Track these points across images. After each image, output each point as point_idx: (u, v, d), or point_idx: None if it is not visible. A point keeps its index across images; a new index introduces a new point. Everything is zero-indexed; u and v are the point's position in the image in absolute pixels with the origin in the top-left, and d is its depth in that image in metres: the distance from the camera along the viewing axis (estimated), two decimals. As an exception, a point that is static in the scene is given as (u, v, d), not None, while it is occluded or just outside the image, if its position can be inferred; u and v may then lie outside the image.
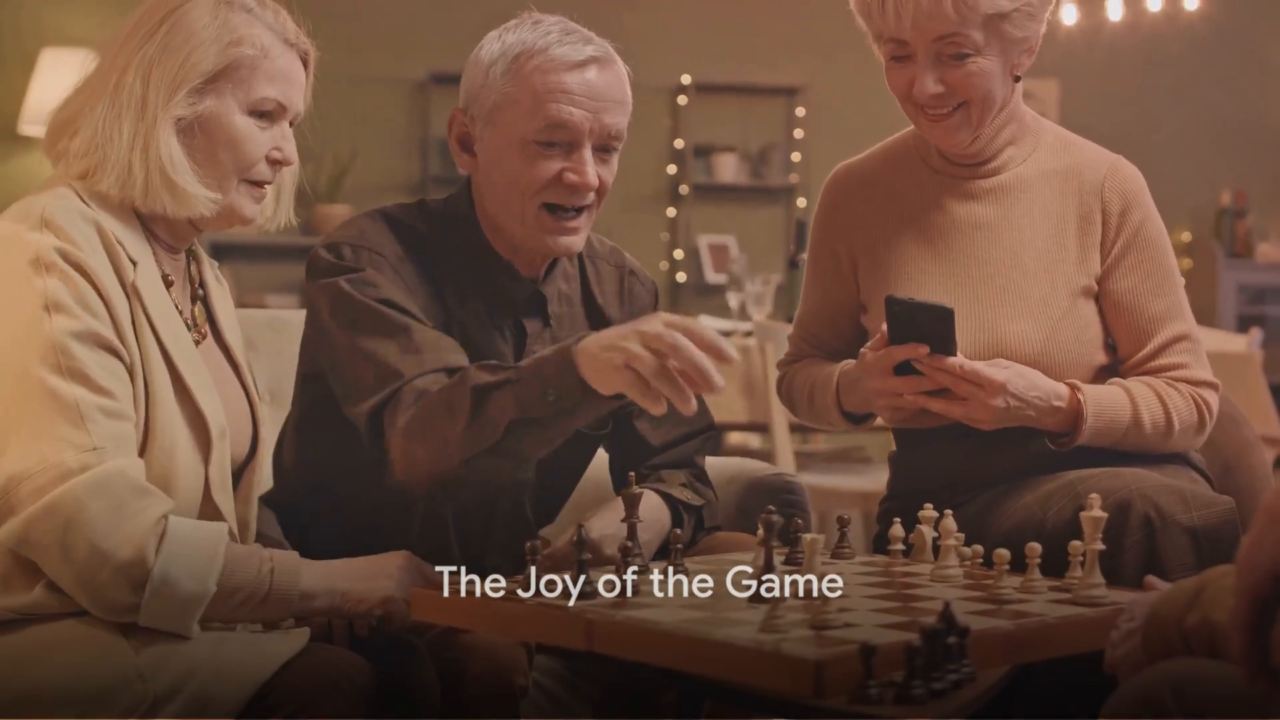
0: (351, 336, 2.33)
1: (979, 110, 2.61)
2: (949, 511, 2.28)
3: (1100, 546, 2.06)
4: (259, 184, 2.22)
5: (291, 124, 2.26)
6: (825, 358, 2.84)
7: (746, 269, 6.09)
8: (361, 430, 2.31)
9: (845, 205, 2.82)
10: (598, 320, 2.60)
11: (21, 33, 8.11)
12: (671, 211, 9.30)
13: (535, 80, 2.38)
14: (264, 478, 2.35)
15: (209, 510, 2.15)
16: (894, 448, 2.85)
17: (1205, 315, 9.39)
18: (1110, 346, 2.71)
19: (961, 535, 2.30)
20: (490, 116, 2.42)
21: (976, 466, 2.65)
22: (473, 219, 2.50)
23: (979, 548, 2.20)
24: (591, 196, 2.44)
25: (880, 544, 2.59)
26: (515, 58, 2.40)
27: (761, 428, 5.62)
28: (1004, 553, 2.07)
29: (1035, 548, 2.09)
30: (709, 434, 2.73)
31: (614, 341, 2.06)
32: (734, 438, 6.69)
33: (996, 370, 2.48)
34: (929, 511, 2.34)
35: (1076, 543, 2.09)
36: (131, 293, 2.08)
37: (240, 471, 2.29)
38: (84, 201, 2.11)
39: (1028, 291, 2.65)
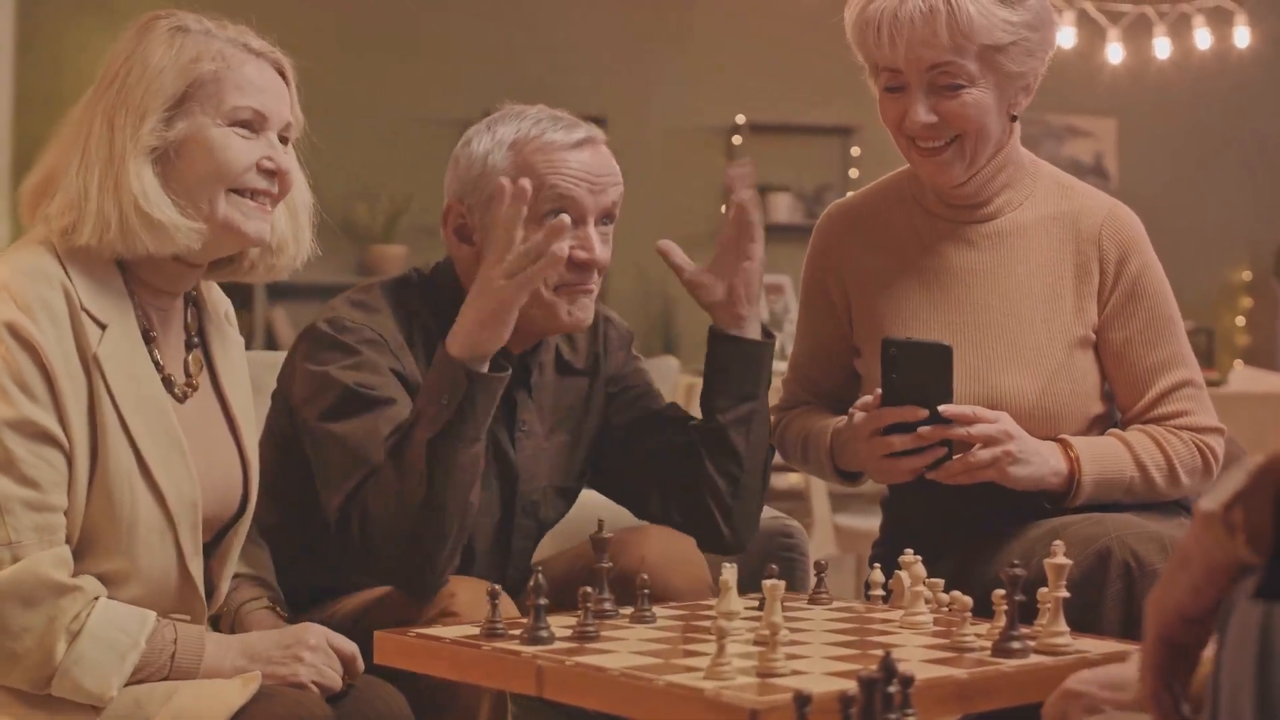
0: (326, 424, 2.37)
1: (973, 144, 2.57)
2: (918, 558, 2.26)
3: (1064, 594, 2.04)
4: (254, 197, 2.16)
5: (285, 140, 2.22)
6: (819, 402, 2.82)
7: (785, 307, 6.07)
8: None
9: (837, 244, 2.78)
10: (567, 371, 2.67)
11: (83, 79, 8.22)
12: (727, 251, 9.30)
13: (537, 162, 2.45)
14: (243, 538, 2.31)
15: (181, 577, 2.14)
16: (887, 491, 2.83)
17: (1265, 355, 9.29)
18: (1108, 396, 2.67)
19: (939, 581, 2.29)
20: (490, 204, 2.42)
21: (967, 509, 2.61)
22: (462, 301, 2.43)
23: (957, 594, 2.18)
24: (597, 273, 2.52)
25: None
26: (512, 144, 2.47)
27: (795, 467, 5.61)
28: (966, 600, 2.06)
29: (1000, 594, 2.07)
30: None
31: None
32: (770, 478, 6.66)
33: (998, 428, 2.45)
34: (909, 557, 2.32)
35: (1044, 590, 2.07)
36: (92, 364, 2.04)
37: (226, 530, 2.26)
38: (60, 260, 2.07)
39: (1024, 341, 2.62)
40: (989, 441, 2.44)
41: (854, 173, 9.20)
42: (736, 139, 9.36)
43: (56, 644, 1.95)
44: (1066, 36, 7.61)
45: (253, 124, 2.16)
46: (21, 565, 1.96)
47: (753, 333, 2.63)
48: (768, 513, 2.94)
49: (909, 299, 2.69)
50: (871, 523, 5.30)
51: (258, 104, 2.16)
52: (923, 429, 2.43)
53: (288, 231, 2.27)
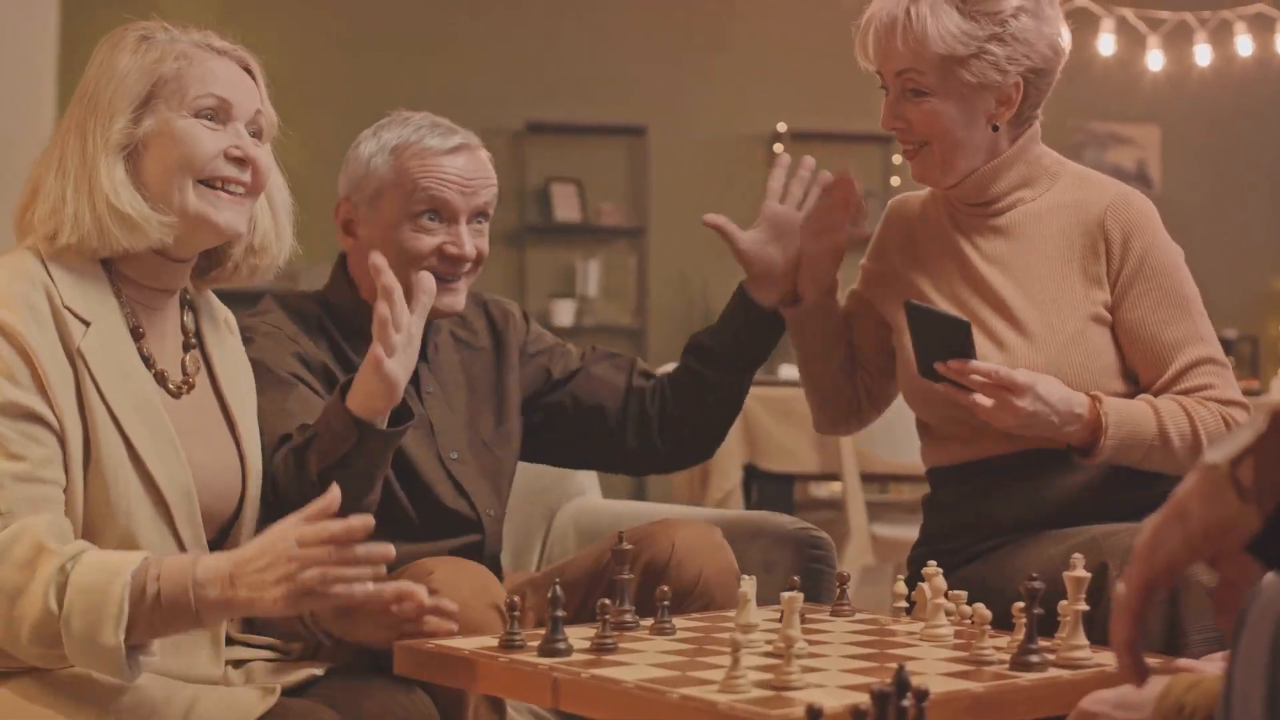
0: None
1: (941, 151, 2.65)
2: (939, 570, 2.26)
3: (1083, 607, 2.03)
4: (224, 187, 2.20)
5: (258, 134, 2.26)
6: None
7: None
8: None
9: (884, 231, 2.90)
10: (468, 348, 2.88)
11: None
12: (768, 258, 9.30)
13: (413, 166, 2.69)
14: (251, 536, 2.29)
15: None
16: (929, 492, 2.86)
17: (1310, 363, 9.22)
18: (1130, 377, 2.69)
19: (962, 594, 2.28)
20: (372, 201, 2.71)
21: (1005, 509, 2.65)
22: (350, 287, 2.77)
23: (979, 607, 2.17)
24: (468, 265, 2.73)
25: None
26: (393, 149, 2.71)
27: (833, 477, 5.60)
28: (986, 613, 2.05)
29: (1019, 607, 2.06)
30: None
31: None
32: (810, 488, 6.65)
33: (1023, 374, 2.49)
34: (931, 569, 2.32)
35: (1064, 603, 2.06)
36: (77, 357, 2.08)
37: (229, 528, 2.27)
38: (43, 263, 2.12)
39: (1033, 319, 2.66)
40: (1000, 406, 2.49)
41: (895, 180, 9.19)
42: (778, 147, 9.35)
43: (49, 600, 1.93)
44: (1106, 44, 7.57)
45: (218, 113, 2.21)
46: (15, 528, 1.96)
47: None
48: (795, 523, 2.94)
49: (924, 285, 2.77)
50: (908, 532, 5.31)
51: (221, 93, 2.21)
52: (940, 367, 2.51)
53: (270, 230, 2.32)
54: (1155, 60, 7.74)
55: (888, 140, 9.12)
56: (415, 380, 2.73)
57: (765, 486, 5.54)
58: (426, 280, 2.39)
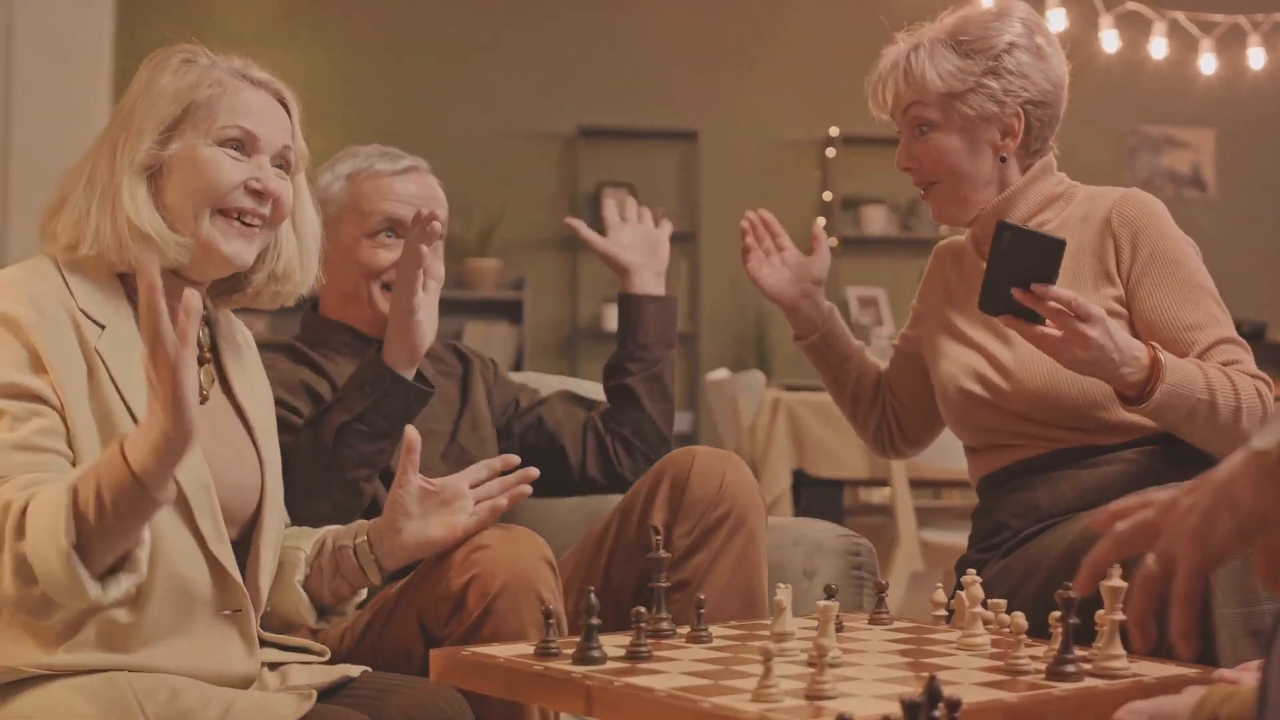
0: None
1: (951, 185, 2.80)
2: (978, 578, 2.25)
3: (1120, 617, 2.01)
4: (239, 219, 2.23)
5: (286, 166, 2.29)
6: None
7: (874, 320, 6.06)
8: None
9: (929, 272, 3.05)
10: (438, 377, 2.97)
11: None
12: (820, 264, 9.28)
13: (368, 189, 2.92)
14: (275, 540, 2.34)
15: (212, 565, 2.16)
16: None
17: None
18: None
19: (1001, 602, 2.27)
20: (333, 225, 2.87)
21: (1047, 496, 2.73)
22: (323, 319, 2.98)
23: (1018, 616, 2.16)
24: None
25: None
26: (349, 176, 2.94)
27: (882, 483, 5.58)
28: (1022, 622, 2.04)
29: (1056, 616, 2.05)
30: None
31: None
32: (862, 494, 6.63)
33: (1095, 306, 2.53)
34: (971, 577, 2.31)
35: (1102, 612, 2.05)
36: (94, 355, 2.11)
37: (251, 528, 2.29)
38: (59, 271, 2.16)
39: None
40: (1067, 337, 2.52)
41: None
42: (830, 151, 9.33)
43: (13, 535, 1.93)
44: (1159, 47, 7.53)
45: (243, 145, 2.24)
46: (4, 489, 1.97)
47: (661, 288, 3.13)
48: (836, 530, 2.94)
49: (948, 314, 2.92)
50: (957, 538, 5.29)
51: (248, 125, 2.24)
52: (1018, 292, 2.53)
53: (294, 259, 2.35)
54: (1208, 64, 7.69)
55: (940, 144, 9.07)
56: None
57: (814, 492, 5.54)
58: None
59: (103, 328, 2.14)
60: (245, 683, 2.20)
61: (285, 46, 8.76)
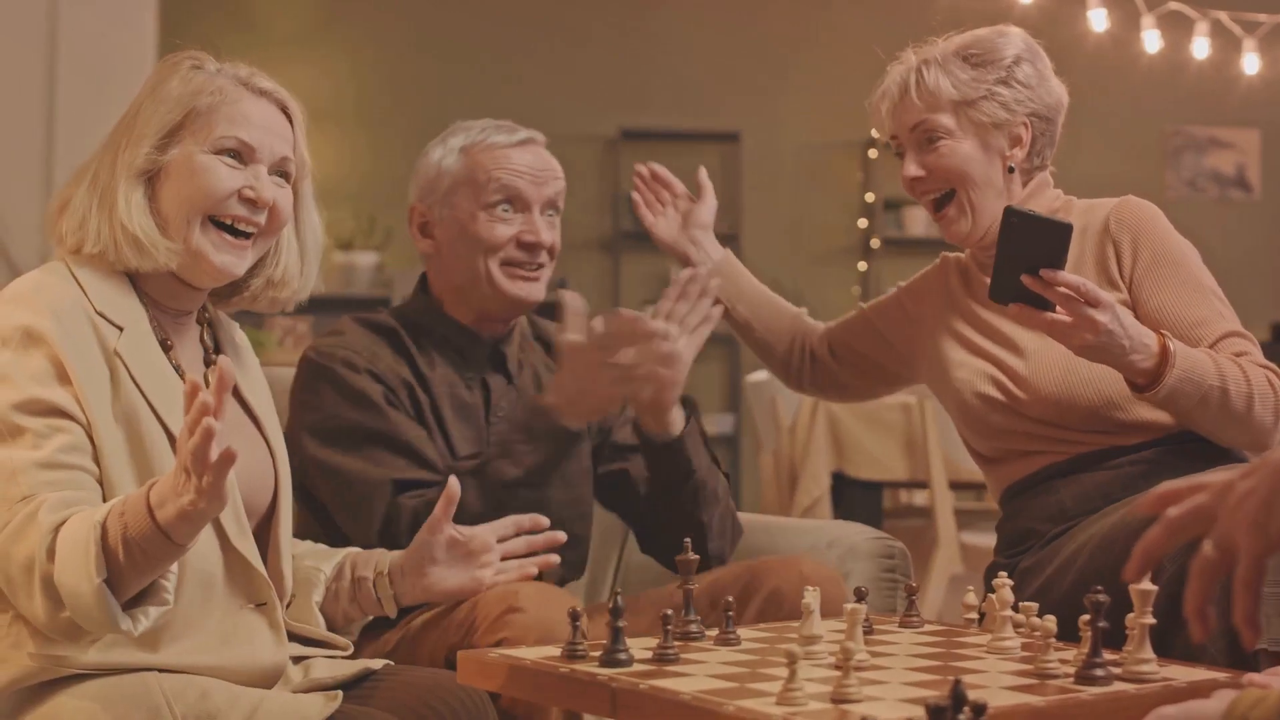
0: (331, 454, 2.67)
1: (967, 195, 2.83)
2: (1009, 581, 2.24)
3: (1150, 621, 2.00)
4: (231, 229, 2.24)
5: (287, 176, 2.30)
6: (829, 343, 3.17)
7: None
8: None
9: (929, 277, 3.07)
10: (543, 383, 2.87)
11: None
12: (863, 265, 9.26)
13: (485, 159, 2.80)
14: (289, 528, 2.38)
15: (233, 558, 2.20)
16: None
17: None
18: None
19: (1033, 605, 2.26)
20: (446, 199, 2.82)
21: (1071, 498, 2.73)
22: (431, 300, 2.86)
23: (1049, 619, 2.15)
24: (545, 255, 2.82)
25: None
26: (463, 149, 2.82)
27: (921, 484, 5.56)
28: (1050, 626, 2.03)
29: (1085, 619, 2.04)
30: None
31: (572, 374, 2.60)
32: (902, 496, 6.61)
33: (1104, 292, 2.54)
34: (1001, 580, 2.30)
35: (1132, 615, 2.04)
36: (114, 357, 2.13)
37: (267, 523, 2.33)
38: (72, 274, 2.19)
39: (1038, 338, 2.77)
40: (1077, 322, 2.53)
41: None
42: (872, 153, 9.31)
43: (41, 557, 1.97)
44: (1201, 47, 7.48)
45: (240, 154, 2.25)
46: (32, 507, 1.99)
47: (679, 424, 2.74)
48: (870, 533, 2.94)
49: (952, 334, 2.93)
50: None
51: (246, 136, 2.24)
52: (1026, 278, 2.54)
53: (293, 267, 2.37)
54: (1251, 63, 7.64)
55: (983, 145, 9.03)
56: (487, 394, 2.84)
57: (853, 494, 5.52)
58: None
59: (121, 329, 2.17)
60: (276, 671, 2.22)
61: (328, 48, 8.79)
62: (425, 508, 2.52)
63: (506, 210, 2.78)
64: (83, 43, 6.64)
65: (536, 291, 2.81)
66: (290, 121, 2.32)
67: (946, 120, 2.82)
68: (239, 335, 2.46)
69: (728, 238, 9.32)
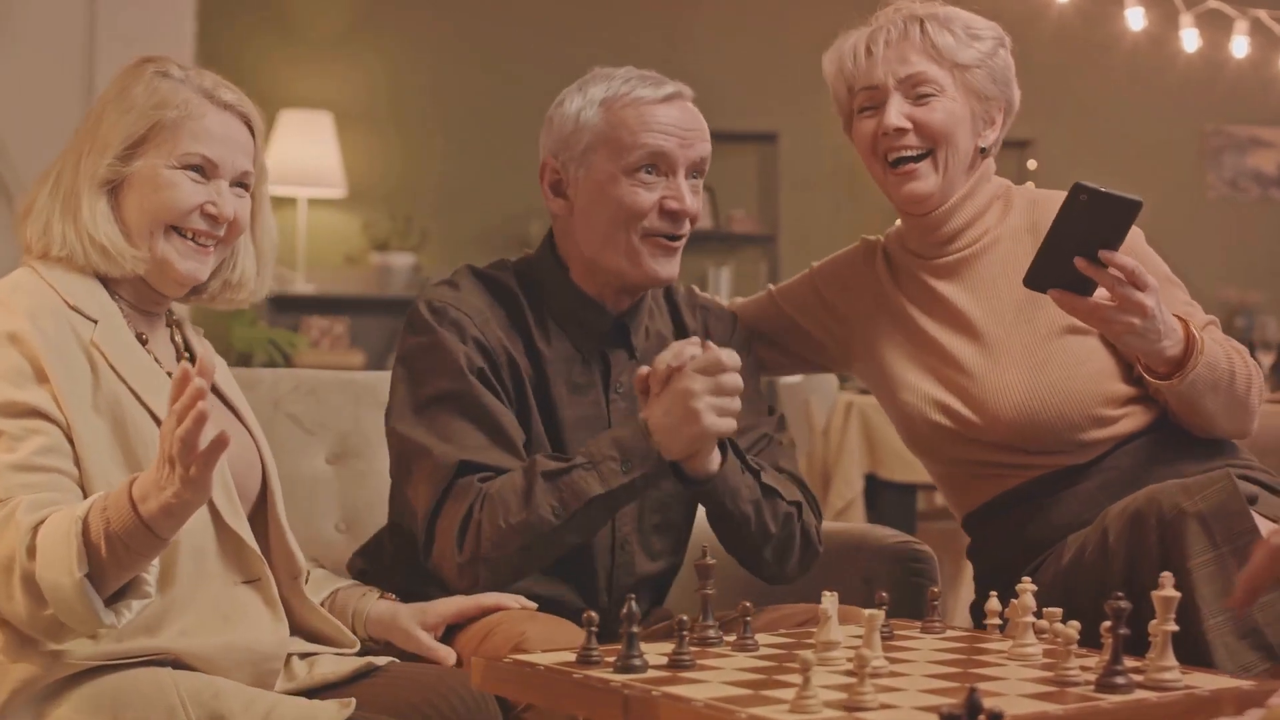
0: (414, 424, 2.53)
1: (944, 156, 2.73)
2: (1032, 586, 2.21)
3: (1173, 628, 1.97)
4: (194, 239, 2.29)
5: (245, 187, 2.34)
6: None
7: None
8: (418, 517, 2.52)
9: (858, 262, 2.97)
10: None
11: (261, 96, 8.39)
12: (905, 266, 9.21)
13: (628, 116, 2.56)
14: (282, 506, 2.42)
15: (229, 537, 2.24)
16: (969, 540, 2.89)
17: None
18: (1126, 377, 2.70)
19: (1057, 610, 2.23)
20: (584, 158, 2.58)
21: (1041, 528, 2.70)
22: (557, 264, 2.65)
23: (1072, 625, 2.11)
24: (687, 224, 2.60)
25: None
26: (603, 102, 2.58)
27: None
28: (1071, 632, 2.00)
29: (1106, 627, 2.01)
30: (767, 435, 2.75)
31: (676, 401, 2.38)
32: (937, 498, 6.57)
33: (1149, 276, 2.49)
34: (1025, 584, 2.27)
35: (1154, 623, 2.01)
36: (92, 349, 2.18)
37: (261, 508, 2.38)
38: (42, 277, 2.23)
39: (1010, 343, 2.72)
40: (1124, 306, 2.48)
41: (1030, 185, 9.05)
42: (909, 153, 9.27)
43: (21, 555, 1.99)
44: (1240, 46, 7.42)
45: (204, 170, 2.29)
46: (6, 509, 2.02)
47: (716, 462, 2.51)
48: (896, 536, 2.91)
49: (900, 345, 2.83)
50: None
51: (210, 153, 2.28)
52: (1078, 260, 2.45)
53: (250, 270, 2.42)
54: (1282, 61, 7.58)
55: (1023, 145, 8.99)
56: (606, 370, 2.66)
57: (886, 497, 5.49)
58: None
59: (95, 322, 2.21)
60: (277, 648, 2.25)
61: (365, 49, 8.79)
62: (481, 502, 2.43)
63: (650, 173, 2.56)
64: (121, 45, 6.65)
65: (674, 269, 2.61)
66: (252, 133, 2.35)
67: (944, 78, 2.73)
68: (203, 339, 2.49)
69: (766, 238, 9.33)
